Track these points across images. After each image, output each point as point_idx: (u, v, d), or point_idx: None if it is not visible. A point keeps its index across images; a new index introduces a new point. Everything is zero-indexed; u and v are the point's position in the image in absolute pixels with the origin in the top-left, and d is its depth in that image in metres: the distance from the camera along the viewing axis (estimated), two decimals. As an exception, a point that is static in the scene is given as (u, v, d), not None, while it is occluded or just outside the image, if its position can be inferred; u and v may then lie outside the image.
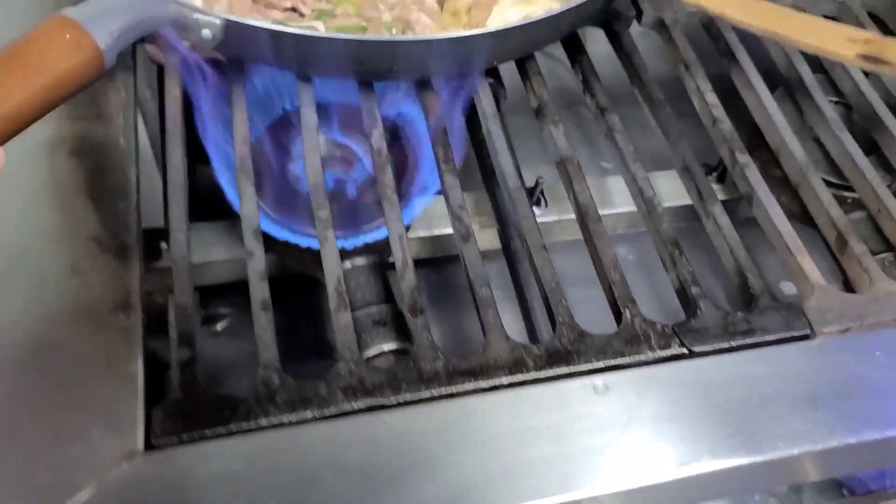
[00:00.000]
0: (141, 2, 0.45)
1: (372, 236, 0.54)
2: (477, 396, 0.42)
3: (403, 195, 0.56)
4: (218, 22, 0.48)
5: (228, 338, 0.68)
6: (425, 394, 0.42)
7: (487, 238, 0.61)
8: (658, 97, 0.57)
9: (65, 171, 0.47)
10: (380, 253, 0.57)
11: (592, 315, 0.49)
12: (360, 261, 0.56)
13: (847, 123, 0.61)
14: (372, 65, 0.53)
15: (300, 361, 0.59)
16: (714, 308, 0.47)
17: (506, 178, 0.53)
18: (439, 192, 0.54)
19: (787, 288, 0.68)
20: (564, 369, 0.43)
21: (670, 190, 0.62)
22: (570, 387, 0.43)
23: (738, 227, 0.52)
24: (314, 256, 0.55)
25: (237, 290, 0.61)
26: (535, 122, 0.59)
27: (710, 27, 0.64)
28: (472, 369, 0.43)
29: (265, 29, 0.49)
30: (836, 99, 0.65)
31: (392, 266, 0.49)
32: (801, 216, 0.58)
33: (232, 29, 0.49)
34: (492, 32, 0.53)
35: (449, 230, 0.60)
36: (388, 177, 0.50)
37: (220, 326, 0.68)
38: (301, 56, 0.51)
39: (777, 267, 0.59)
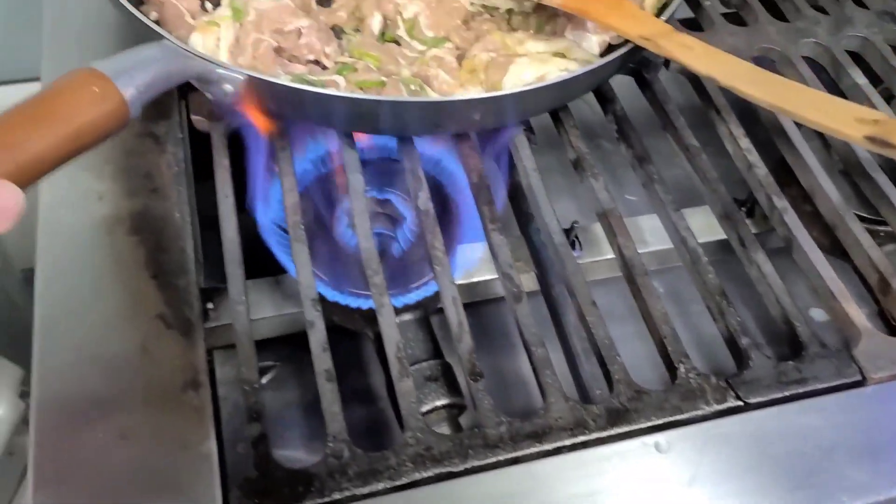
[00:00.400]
0: (166, 56, 0.47)
1: (420, 294, 0.55)
2: (541, 461, 0.43)
3: (447, 248, 0.57)
4: (240, 77, 0.49)
5: (274, 391, 0.68)
6: (491, 459, 0.43)
7: (524, 281, 0.62)
8: (693, 144, 0.59)
9: (126, 249, 0.48)
10: (425, 307, 0.58)
11: (627, 351, 0.50)
12: (407, 316, 0.57)
13: (875, 155, 0.62)
14: (390, 122, 0.54)
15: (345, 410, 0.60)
16: (765, 358, 0.48)
17: (551, 234, 0.54)
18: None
19: (818, 315, 0.69)
20: (625, 428, 0.44)
21: (701, 225, 0.63)
22: (631, 446, 0.44)
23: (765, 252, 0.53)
24: (362, 314, 0.56)
25: (281, 342, 0.62)
26: (555, 155, 0.61)
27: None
28: (535, 432, 0.44)
29: (286, 86, 0.50)
30: (862, 132, 0.66)
31: (438, 311, 0.49)
32: (832, 249, 0.59)
33: (253, 84, 0.50)
34: (505, 95, 0.53)
35: (487, 276, 0.62)
36: (438, 239, 0.51)
37: (264, 379, 0.69)
38: (320, 111, 0.53)
39: (806, 293, 0.60)
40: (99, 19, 0.62)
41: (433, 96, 0.56)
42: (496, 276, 0.53)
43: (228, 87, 0.49)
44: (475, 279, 0.64)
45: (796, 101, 0.51)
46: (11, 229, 0.35)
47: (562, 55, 0.58)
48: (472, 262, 0.59)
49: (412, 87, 0.56)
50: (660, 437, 0.44)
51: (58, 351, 0.44)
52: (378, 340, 0.56)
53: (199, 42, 0.54)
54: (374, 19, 0.60)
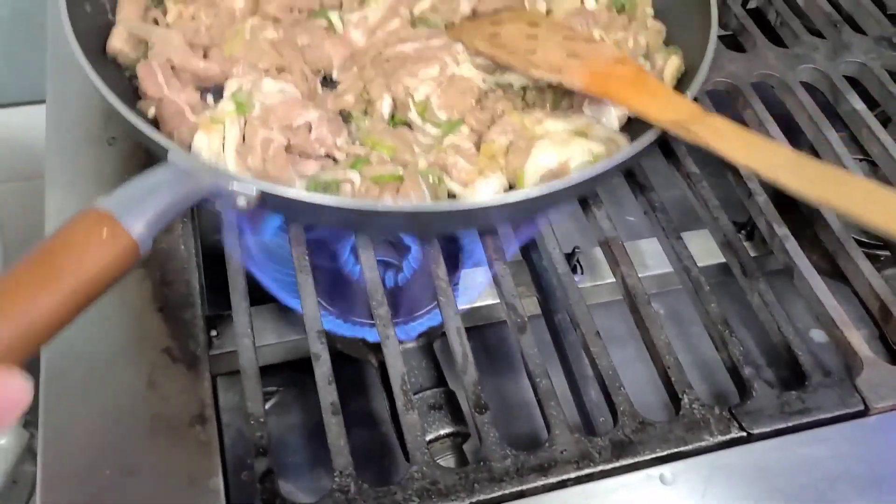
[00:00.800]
0: (176, 179, 0.43)
1: (424, 324, 0.55)
2: (547, 494, 0.43)
3: (451, 276, 0.57)
4: (254, 192, 0.45)
5: (277, 416, 0.68)
6: (497, 493, 0.43)
7: (526, 306, 0.62)
8: (694, 171, 0.59)
9: (132, 282, 0.48)
10: (428, 334, 0.58)
11: (628, 375, 0.50)
12: (411, 344, 0.57)
13: (873, 179, 0.63)
14: (414, 227, 0.52)
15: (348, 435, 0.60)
16: (768, 388, 0.48)
17: (553, 263, 0.54)
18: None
19: (818, 336, 0.69)
20: (630, 460, 0.45)
21: (702, 249, 0.63)
22: (636, 478, 0.44)
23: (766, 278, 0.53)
24: (366, 342, 0.57)
25: (282, 367, 0.62)
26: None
27: (734, 94, 0.66)
28: (540, 465, 0.44)
29: (306, 202, 0.46)
30: (860, 157, 0.66)
31: (441, 336, 0.49)
32: (832, 273, 0.59)
33: (268, 197, 0.46)
34: (538, 197, 0.48)
35: (489, 301, 0.62)
36: (442, 268, 0.52)
37: (266, 405, 0.69)
38: (342, 220, 0.50)
39: (806, 313, 0.60)
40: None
41: (461, 203, 0.52)
42: (498, 301, 0.53)
43: (242, 201, 0.45)
44: (478, 304, 0.64)
45: (849, 195, 0.45)
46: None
47: (583, 133, 0.55)
48: (476, 288, 0.59)
49: (430, 178, 0.53)
50: (665, 469, 0.44)
51: (64, 384, 0.45)
52: (381, 368, 0.56)
53: (204, 143, 0.51)
54: (383, 102, 0.58)
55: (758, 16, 0.74)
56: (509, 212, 0.51)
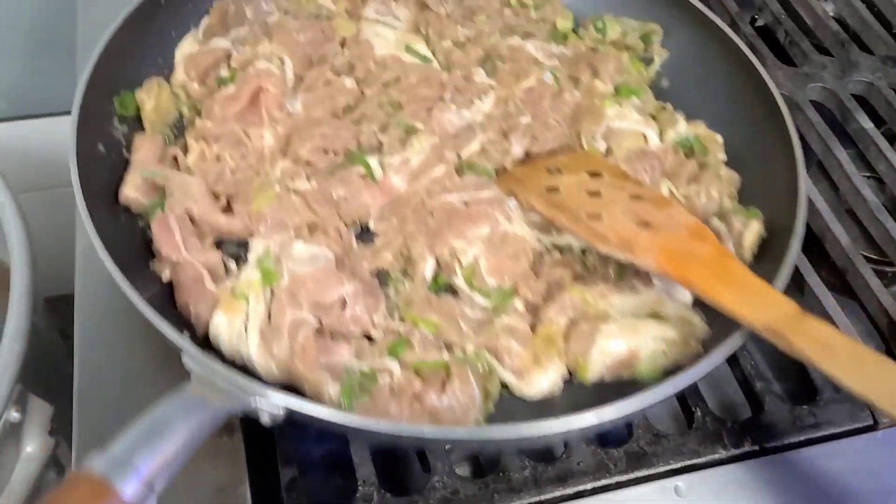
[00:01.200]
0: (186, 414, 0.37)
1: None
2: (565, 504, 0.44)
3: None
4: (280, 412, 0.40)
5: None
6: (516, 503, 0.44)
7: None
8: (705, 189, 0.60)
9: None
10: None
11: None
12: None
13: (880, 196, 0.64)
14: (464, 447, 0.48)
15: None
16: (780, 402, 0.49)
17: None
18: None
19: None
20: (644, 472, 0.46)
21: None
22: (651, 489, 0.45)
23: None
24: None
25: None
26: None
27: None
28: (557, 476, 0.45)
29: (340, 424, 0.40)
30: (868, 174, 0.67)
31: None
32: (840, 288, 0.60)
33: (295, 413, 0.40)
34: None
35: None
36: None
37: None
38: (381, 440, 0.45)
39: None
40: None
41: (513, 428, 0.41)
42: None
43: (266, 419, 0.40)
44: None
45: None
46: None
47: (654, 314, 0.49)
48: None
49: (480, 367, 0.47)
50: (679, 481, 0.45)
51: (97, 393, 0.46)
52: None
53: (224, 326, 0.46)
54: (426, 265, 0.51)
55: (767, 34, 0.76)
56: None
